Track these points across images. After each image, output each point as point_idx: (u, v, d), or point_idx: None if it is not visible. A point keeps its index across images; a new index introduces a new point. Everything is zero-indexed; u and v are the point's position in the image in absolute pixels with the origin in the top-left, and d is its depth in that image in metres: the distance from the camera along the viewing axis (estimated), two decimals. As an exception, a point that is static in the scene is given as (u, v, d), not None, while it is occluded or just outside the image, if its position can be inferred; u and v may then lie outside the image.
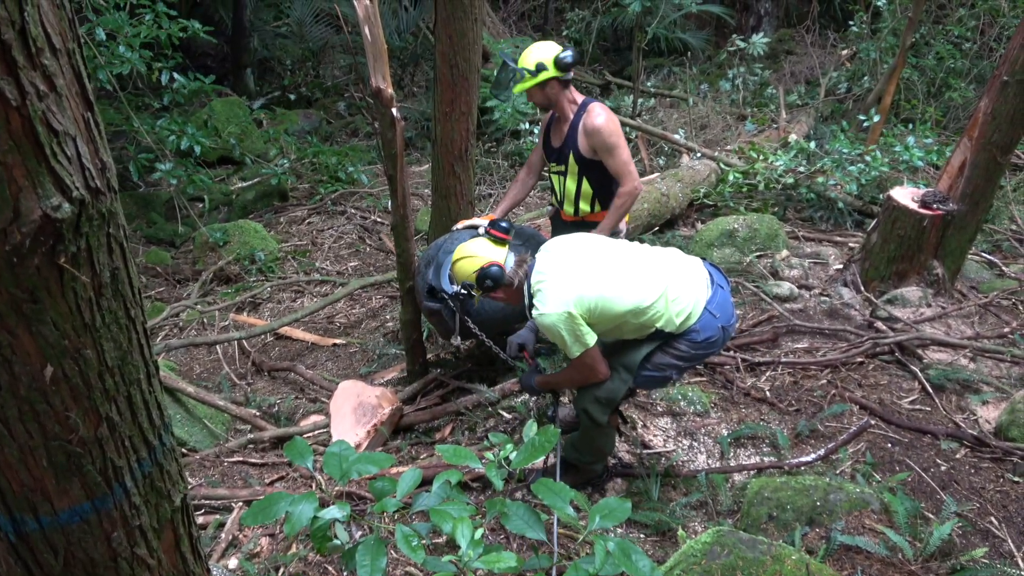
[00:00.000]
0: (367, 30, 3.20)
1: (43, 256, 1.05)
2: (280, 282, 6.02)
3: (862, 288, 4.72)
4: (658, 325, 2.68)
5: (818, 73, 9.46)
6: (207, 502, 3.27)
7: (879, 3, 8.13)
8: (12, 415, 1.14)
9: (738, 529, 2.63)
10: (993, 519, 2.92)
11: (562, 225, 3.78)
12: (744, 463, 3.34)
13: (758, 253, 5.37)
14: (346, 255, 6.70)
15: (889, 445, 3.38)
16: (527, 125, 8.13)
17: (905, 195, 4.62)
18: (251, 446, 3.85)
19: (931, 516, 2.88)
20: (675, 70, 10.66)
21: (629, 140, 6.98)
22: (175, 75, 6.36)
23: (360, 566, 1.54)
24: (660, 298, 2.64)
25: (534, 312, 2.66)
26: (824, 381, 3.87)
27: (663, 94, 9.76)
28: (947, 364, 3.94)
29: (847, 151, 6.28)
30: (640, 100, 9.03)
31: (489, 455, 1.88)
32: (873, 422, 3.50)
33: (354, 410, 3.70)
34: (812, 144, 6.77)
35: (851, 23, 9.12)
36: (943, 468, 3.22)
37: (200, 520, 3.15)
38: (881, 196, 5.79)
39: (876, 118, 6.78)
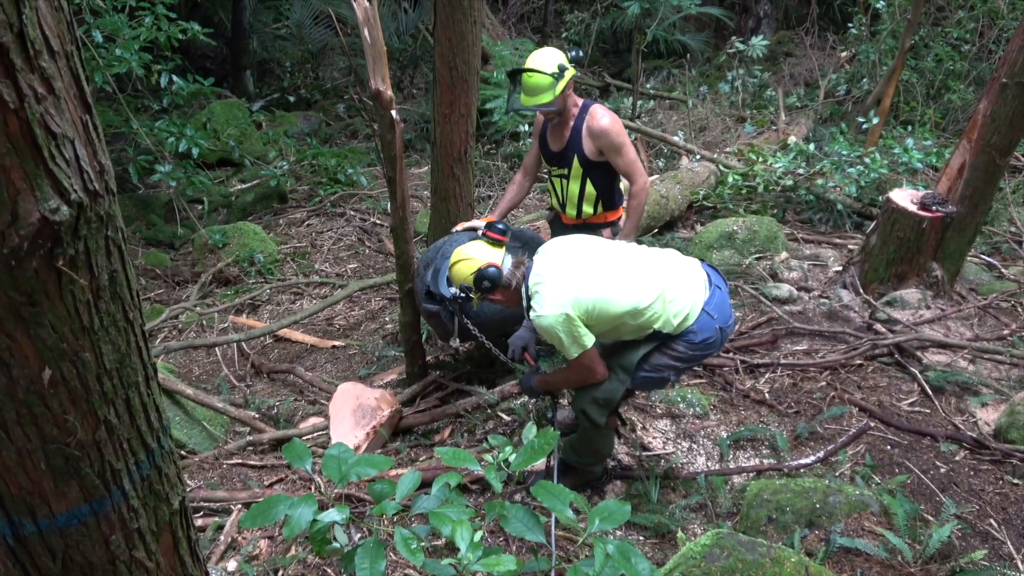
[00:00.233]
0: (366, 32, 3.20)
1: (41, 259, 1.05)
2: (279, 284, 6.02)
3: (861, 290, 4.72)
4: (656, 326, 2.68)
5: (817, 75, 9.46)
6: (206, 504, 3.27)
7: (878, 5, 8.14)
8: (10, 418, 1.14)
9: (737, 531, 2.63)
10: (992, 521, 2.92)
11: (562, 228, 3.78)
12: (743, 465, 3.34)
13: (757, 255, 5.37)
14: (345, 257, 6.70)
15: (888, 447, 3.38)
16: (526, 127, 8.13)
17: (904, 197, 4.63)
18: (250, 448, 3.85)
19: (931, 518, 2.88)
20: (674, 72, 10.67)
21: (628, 142, 6.97)
22: (174, 77, 6.36)
23: (359, 569, 1.54)
24: (657, 299, 2.64)
25: (532, 314, 2.66)
26: (823, 383, 3.87)
27: (662, 96, 9.77)
28: (946, 366, 3.94)
29: (846, 153, 6.29)
30: (639, 102, 9.03)
31: (488, 457, 1.88)
32: (872, 424, 3.50)
33: (353, 412, 3.70)
34: (811, 146, 6.77)
35: (850, 25, 9.13)
36: (942, 470, 3.22)
37: (199, 522, 3.15)
38: (880, 198, 5.79)
39: (875, 120, 6.79)
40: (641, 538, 2.96)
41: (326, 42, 10.76)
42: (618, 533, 2.97)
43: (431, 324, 3.89)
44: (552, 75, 3.31)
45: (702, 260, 2.93)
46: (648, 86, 10.25)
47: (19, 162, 0.98)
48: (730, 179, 6.60)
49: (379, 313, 5.53)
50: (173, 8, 6.42)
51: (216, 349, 5.04)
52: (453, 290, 2.98)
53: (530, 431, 1.91)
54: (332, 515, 1.64)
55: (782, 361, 4.04)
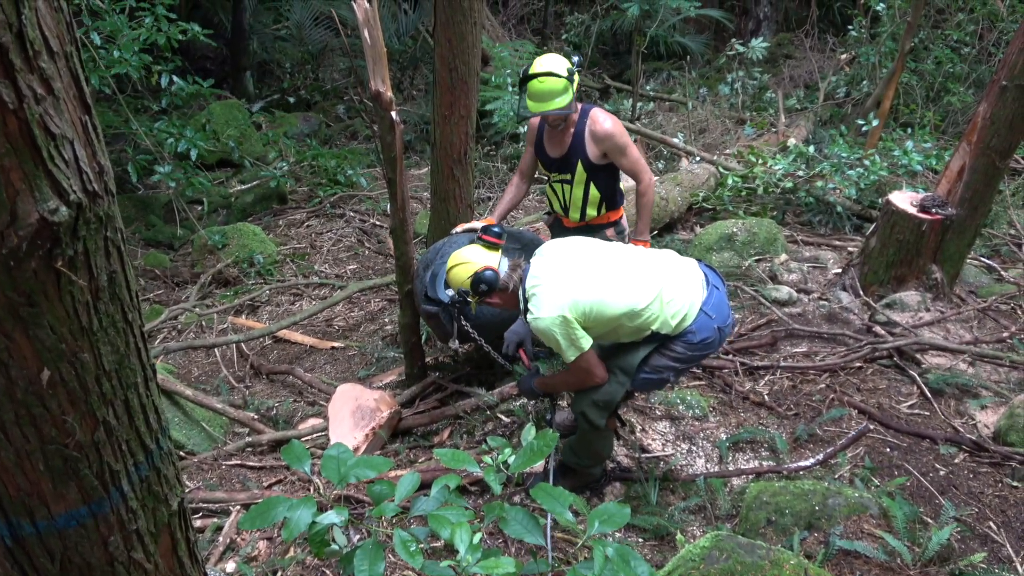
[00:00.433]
0: (366, 33, 3.20)
1: (40, 260, 1.05)
2: (279, 285, 6.02)
3: (861, 292, 4.73)
4: (653, 327, 2.68)
5: (817, 77, 9.47)
6: (205, 506, 3.27)
7: (878, 7, 8.15)
8: (9, 419, 1.13)
9: (736, 533, 2.62)
10: (992, 524, 2.91)
11: (564, 231, 3.76)
12: (743, 467, 3.34)
13: (757, 257, 5.37)
14: (345, 258, 6.70)
15: (888, 450, 3.38)
16: (526, 129, 8.12)
17: (904, 199, 4.63)
18: (249, 449, 3.84)
19: (930, 521, 2.88)
20: (674, 74, 10.68)
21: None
22: (174, 78, 6.37)
23: (358, 570, 1.54)
24: (655, 300, 2.64)
25: (529, 316, 2.66)
26: (823, 385, 3.87)
27: (662, 98, 9.77)
28: (946, 369, 3.94)
29: (846, 155, 6.29)
30: (639, 104, 9.04)
31: (487, 459, 1.88)
32: (872, 427, 3.50)
33: (352, 413, 3.69)
34: (811, 148, 6.78)
35: (850, 27, 9.14)
36: (942, 473, 3.22)
37: (197, 524, 3.14)
38: (880, 200, 5.79)
39: (875, 122, 6.79)
40: (640, 540, 2.96)
41: (326, 43, 10.77)
42: (617, 535, 2.96)
43: (430, 325, 3.89)
44: (566, 78, 3.30)
45: (699, 260, 2.93)
46: (648, 88, 10.26)
47: (18, 162, 0.98)
48: (730, 181, 6.61)
49: (378, 314, 5.53)
50: (173, 9, 6.43)
51: (215, 350, 5.04)
52: (450, 292, 2.98)
53: (529, 433, 1.90)
54: (331, 517, 1.64)
55: (781, 363, 4.04)
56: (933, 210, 4.47)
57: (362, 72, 8.73)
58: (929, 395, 3.73)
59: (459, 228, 3.88)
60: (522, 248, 3.69)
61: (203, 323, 5.44)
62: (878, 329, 4.32)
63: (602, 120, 3.44)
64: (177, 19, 6.21)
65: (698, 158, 7.15)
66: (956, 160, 4.52)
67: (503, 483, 1.83)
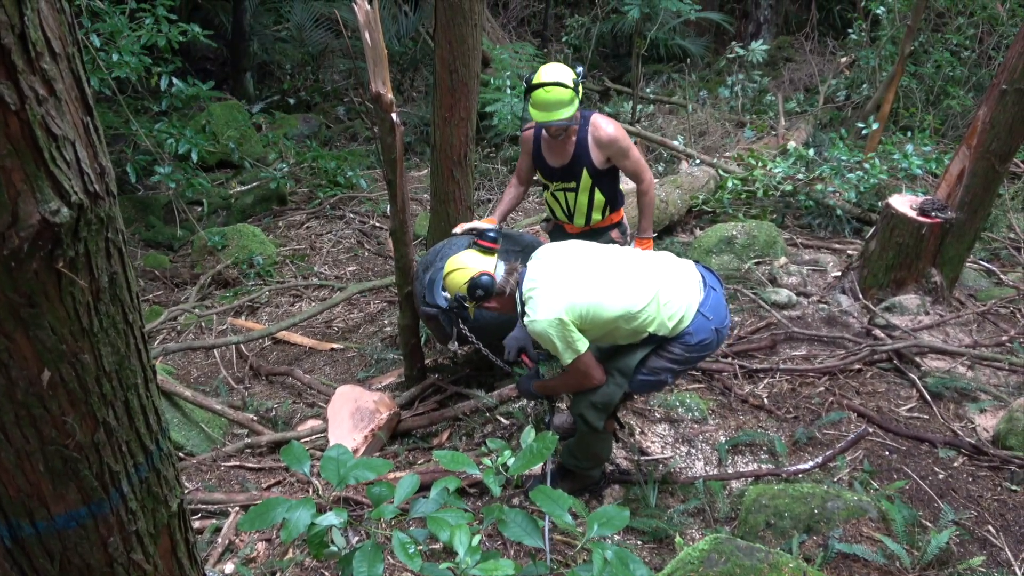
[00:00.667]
0: (367, 35, 3.21)
1: (41, 260, 1.05)
2: (278, 286, 6.02)
3: (860, 295, 4.73)
4: (650, 329, 2.68)
5: (817, 80, 9.48)
6: (204, 507, 3.27)
7: (878, 11, 8.16)
8: (9, 420, 1.13)
9: (735, 536, 2.62)
10: (991, 527, 2.91)
11: (566, 238, 3.76)
12: (742, 470, 3.34)
13: (756, 260, 5.37)
14: (344, 259, 6.70)
15: (887, 453, 3.38)
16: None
17: (903, 203, 4.63)
18: (248, 451, 3.84)
19: (929, 524, 2.88)
20: (674, 76, 10.69)
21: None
22: (174, 79, 6.37)
23: (357, 572, 1.54)
24: (651, 302, 2.65)
25: (525, 319, 2.67)
26: (822, 388, 3.87)
27: (662, 100, 9.78)
28: (945, 372, 3.94)
29: (846, 158, 6.30)
30: (639, 106, 9.05)
31: (487, 461, 1.88)
32: (871, 430, 3.50)
33: (352, 415, 3.69)
34: (811, 151, 6.79)
35: (850, 31, 9.15)
36: (941, 476, 3.22)
37: (196, 525, 3.14)
38: (879, 204, 5.80)
39: (875, 126, 6.80)
40: (639, 543, 2.96)
41: (326, 44, 10.77)
42: (616, 538, 2.96)
43: (430, 327, 3.89)
44: (572, 89, 3.26)
45: (697, 262, 2.94)
46: (648, 90, 10.27)
47: (20, 163, 0.98)
48: (729, 184, 6.61)
49: (378, 316, 5.53)
50: (173, 10, 6.43)
51: (215, 351, 5.04)
52: (446, 294, 2.98)
53: (528, 435, 1.90)
54: (330, 518, 1.64)
55: (781, 366, 4.04)
56: (933, 214, 4.47)
57: (362, 74, 8.74)
58: (928, 398, 3.73)
59: (459, 228, 3.88)
60: (521, 251, 3.70)
61: (202, 324, 5.44)
62: (877, 332, 4.32)
63: (604, 126, 3.44)
64: (177, 20, 6.21)
65: (698, 161, 7.15)
66: (956, 164, 4.52)
67: (502, 485, 1.83)
